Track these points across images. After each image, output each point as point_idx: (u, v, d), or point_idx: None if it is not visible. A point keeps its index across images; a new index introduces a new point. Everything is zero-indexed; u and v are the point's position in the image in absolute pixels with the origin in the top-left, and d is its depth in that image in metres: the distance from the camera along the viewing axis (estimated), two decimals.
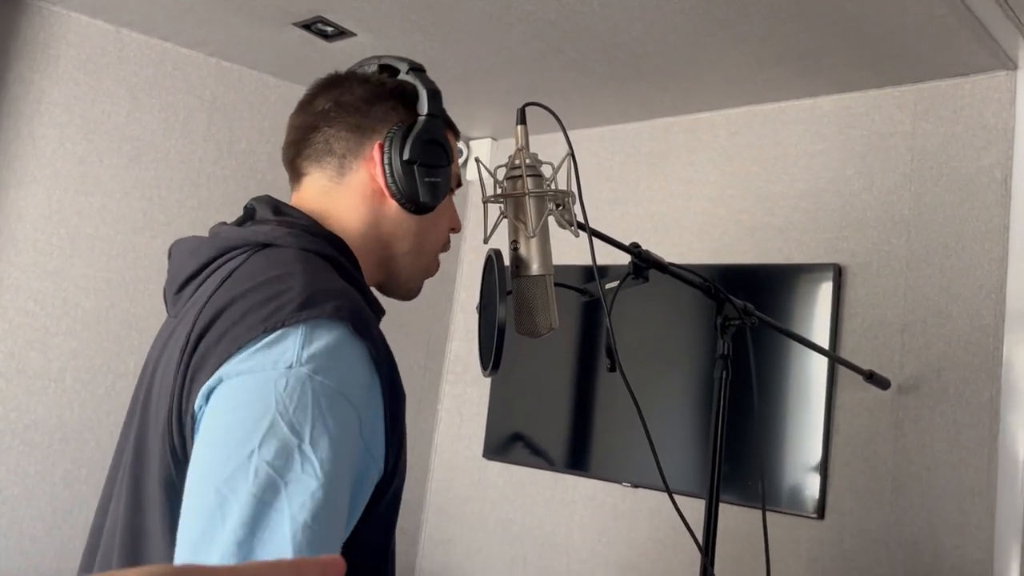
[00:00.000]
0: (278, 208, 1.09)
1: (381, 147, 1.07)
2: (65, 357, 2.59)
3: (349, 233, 1.07)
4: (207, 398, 0.87)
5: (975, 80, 2.34)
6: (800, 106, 2.65)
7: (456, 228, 1.21)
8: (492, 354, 1.20)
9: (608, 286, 1.59)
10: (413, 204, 1.07)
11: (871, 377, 2.19)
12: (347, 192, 1.08)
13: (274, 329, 0.87)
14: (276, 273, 0.94)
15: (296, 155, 1.12)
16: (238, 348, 0.86)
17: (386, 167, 1.06)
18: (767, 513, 2.44)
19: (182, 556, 0.80)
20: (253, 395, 0.84)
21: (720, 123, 2.83)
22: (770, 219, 2.64)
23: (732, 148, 2.79)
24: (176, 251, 1.10)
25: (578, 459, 2.90)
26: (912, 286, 2.36)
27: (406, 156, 1.05)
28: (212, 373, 0.87)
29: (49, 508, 2.55)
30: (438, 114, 1.09)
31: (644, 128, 3.02)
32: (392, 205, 1.08)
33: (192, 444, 0.87)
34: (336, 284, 0.96)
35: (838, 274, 2.45)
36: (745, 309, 1.67)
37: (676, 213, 2.88)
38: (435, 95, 1.09)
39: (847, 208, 2.51)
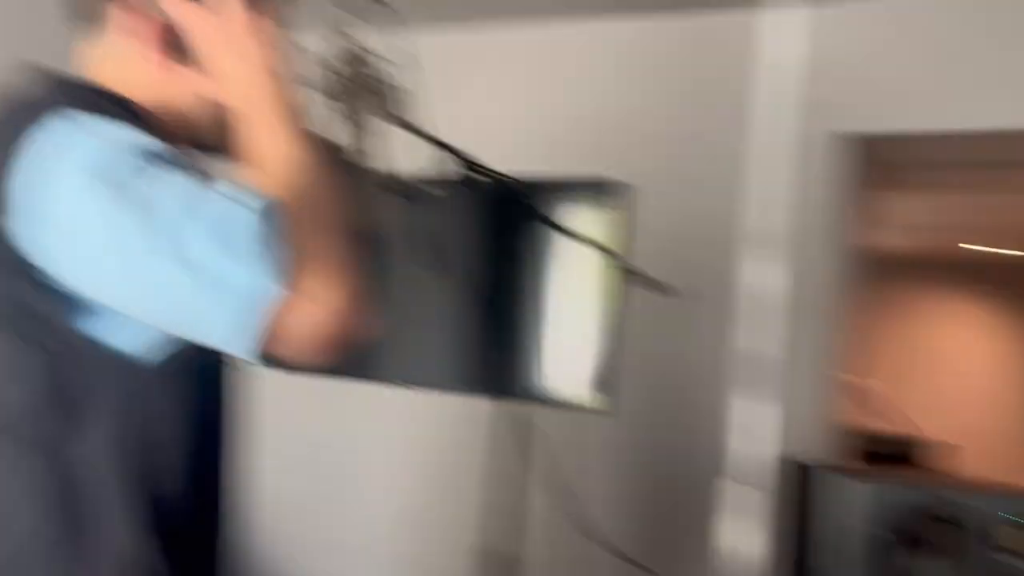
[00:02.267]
0: None
1: None
2: None
3: None
4: None
5: (735, 15, 2.56)
6: (591, 30, 2.79)
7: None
8: None
9: (426, 188, 1.64)
10: None
11: (648, 282, 2.41)
12: None
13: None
14: None
15: None
16: None
17: None
18: (556, 409, 2.65)
19: None
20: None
21: (493, 42, 2.89)
22: (555, 137, 2.78)
23: (507, 66, 2.88)
24: None
25: (355, 362, 2.93)
26: (688, 202, 2.60)
27: None
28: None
29: None
30: None
31: (439, 42, 3.03)
32: None
33: None
34: None
35: (619, 190, 2.64)
36: (532, 209, 1.78)
37: (469, 129, 2.94)
38: None
39: (615, 129, 2.70)
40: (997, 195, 3.79)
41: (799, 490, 2.13)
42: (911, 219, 4.78)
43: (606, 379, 2.61)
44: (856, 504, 1.66)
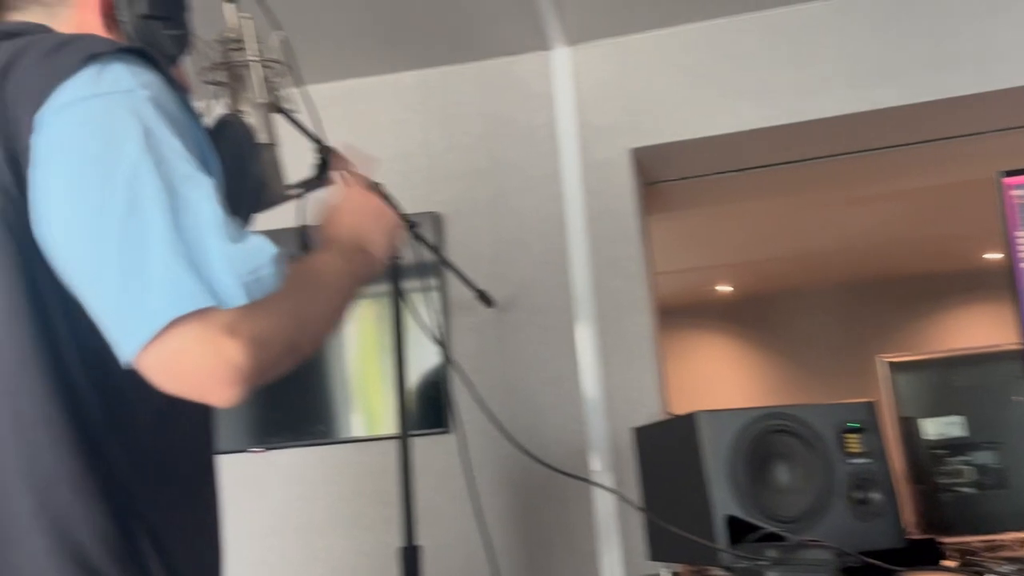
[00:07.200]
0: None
1: None
2: None
3: None
4: (39, 129, 0.86)
5: (522, 58, 2.91)
6: (384, 81, 2.99)
7: None
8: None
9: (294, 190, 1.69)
10: None
11: (481, 296, 2.58)
12: None
13: (95, 61, 0.89)
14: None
15: None
16: (62, 79, 0.87)
17: None
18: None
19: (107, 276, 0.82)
20: (106, 117, 0.86)
21: (314, 97, 3.02)
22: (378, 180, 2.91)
23: (327, 120, 3.00)
24: None
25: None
26: (495, 223, 2.83)
27: None
28: (37, 106, 0.86)
29: None
30: None
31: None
32: None
33: (28, 177, 0.87)
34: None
35: (437, 220, 2.82)
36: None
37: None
38: None
39: (434, 166, 2.90)
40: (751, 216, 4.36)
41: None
42: (675, 265, 5.36)
43: (448, 398, 2.70)
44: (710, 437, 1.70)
